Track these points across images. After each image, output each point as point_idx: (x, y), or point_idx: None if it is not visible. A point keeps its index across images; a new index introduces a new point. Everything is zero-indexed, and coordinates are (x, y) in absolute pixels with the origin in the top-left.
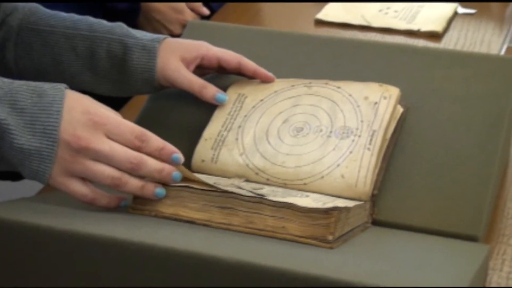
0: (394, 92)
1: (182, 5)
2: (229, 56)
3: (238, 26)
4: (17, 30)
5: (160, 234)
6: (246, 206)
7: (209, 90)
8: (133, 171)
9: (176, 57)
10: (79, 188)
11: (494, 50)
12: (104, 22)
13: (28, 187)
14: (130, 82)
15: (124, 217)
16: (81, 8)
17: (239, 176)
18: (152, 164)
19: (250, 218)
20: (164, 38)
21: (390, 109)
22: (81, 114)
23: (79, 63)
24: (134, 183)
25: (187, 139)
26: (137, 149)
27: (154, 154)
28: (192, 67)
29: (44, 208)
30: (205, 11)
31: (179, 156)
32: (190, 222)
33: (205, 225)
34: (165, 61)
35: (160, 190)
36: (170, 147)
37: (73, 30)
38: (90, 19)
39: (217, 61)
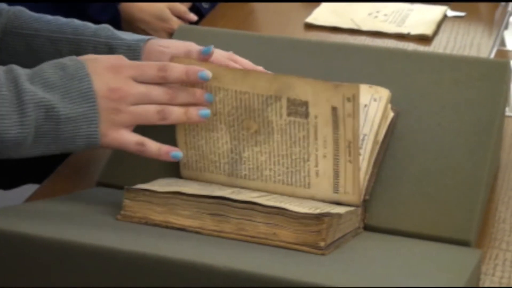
0: (384, 94)
1: (167, 13)
2: (218, 54)
3: (228, 31)
4: (1, 35)
5: (150, 242)
6: (237, 213)
7: (194, 51)
8: (172, 100)
9: (166, 56)
10: (131, 137)
11: (483, 53)
12: (90, 24)
13: (16, 196)
14: None
15: (113, 225)
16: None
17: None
18: (184, 92)
19: (242, 225)
20: (149, 39)
21: (380, 112)
22: (104, 70)
23: None
24: (177, 110)
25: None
26: (164, 79)
27: (182, 78)
28: None
29: (32, 216)
30: (192, 17)
31: (206, 72)
32: (181, 229)
33: (197, 232)
34: (148, 54)
35: (203, 112)
36: (193, 67)
37: (58, 33)
38: (76, 22)
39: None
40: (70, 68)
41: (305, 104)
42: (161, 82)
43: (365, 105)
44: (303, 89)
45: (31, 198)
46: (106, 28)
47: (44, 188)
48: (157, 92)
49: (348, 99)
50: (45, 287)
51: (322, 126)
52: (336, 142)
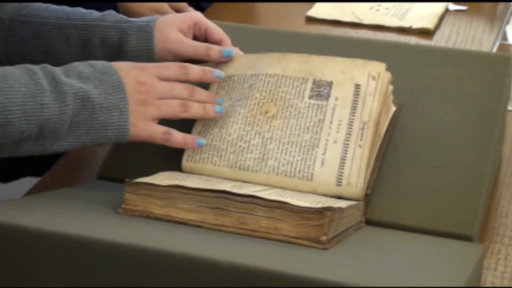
0: (381, 69)
1: (167, 7)
2: (216, 29)
3: (229, 24)
4: (8, 23)
5: (151, 236)
6: (238, 207)
7: (215, 49)
8: (191, 96)
9: (174, 29)
10: (158, 127)
11: (485, 47)
12: (95, 12)
13: (15, 189)
14: None
15: (114, 218)
16: None
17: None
18: (199, 89)
19: (243, 219)
20: (158, 17)
21: (379, 94)
22: (130, 68)
23: (73, 53)
24: (197, 105)
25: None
26: (184, 76)
27: (200, 75)
28: (190, 35)
29: (32, 209)
30: (191, 10)
31: (220, 72)
32: (182, 223)
33: (198, 226)
34: (164, 36)
35: (219, 108)
36: (209, 68)
37: (66, 20)
38: (82, 9)
39: (205, 30)
40: (99, 65)
41: (329, 84)
42: (182, 79)
43: (359, 85)
44: (332, 68)
45: (31, 192)
46: (113, 13)
47: (44, 181)
48: (179, 88)
49: (373, 77)
50: (46, 281)
51: (340, 108)
52: (350, 124)
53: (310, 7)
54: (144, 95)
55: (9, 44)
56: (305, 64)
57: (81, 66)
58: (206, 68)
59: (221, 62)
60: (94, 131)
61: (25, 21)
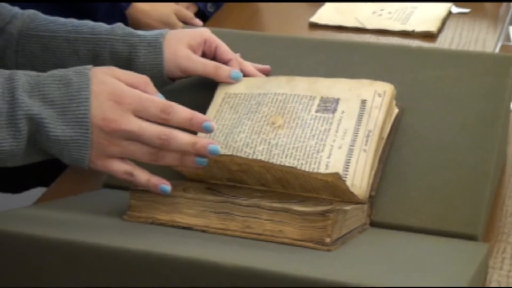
0: (388, 88)
1: (173, 18)
2: (226, 48)
3: (233, 31)
4: (17, 38)
5: (156, 241)
6: (243, 211)
7: (224, 69)
8: (164, 146)
9: (183, 45)
10: (119, 167)
11: (489, 48)
12: (104, 24)
13: (25, 199)
14: None
15: (120, 225)
16: None
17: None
18: (183, 138)
19: (248, 223)
20: (167, 31)
21: (384, 108)
22: (107, 97)
23: None
24: (171, 155)
25: None
26: (165, 122)
27: (184, 125)
28: (199, 52)
29: (39, 218)
30: (198, 22)
31: (211, 124)
32: (187, 228)
33: (202, 231)
34: (174, 51)
35: (200, 159)
36: (199, 116)
37: (75, 34)
38: (90, 22)
39: (215, 48)
40: (74, 86)
41: (336, 101)
42: (162, 123)
43: (366, 100)
44: (339, 87)
45: (39, 201)
46: (121, 26)
47: (52, 190)
48: (150, 134)
49: (379, 95)
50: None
51: (346, 120)
52: (355, 132)
53: (313, 13)
54: (108, 135)
55: (19, 58)
56: (313, 84)
57: (53, 84)
58: (196, 115)
59: (228, 82)
60: (51, 155)
61: (34, 35)
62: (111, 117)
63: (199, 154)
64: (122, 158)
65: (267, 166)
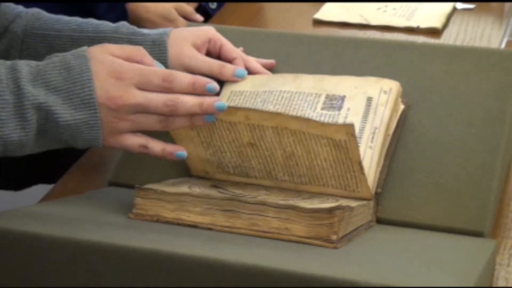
0: (394, 86)
1: (173, 13)
2: (230, 47)
3: (236, 28)
4: (21, 37)
5: (162, 239)
6: (249, 208)
7: (228, 68)
8: (172, 112)
9: (188, 44)
10: (133, 141)
11: (494, 44)
12: (108, 22)
13: (28, 196)
14: None
15: (126, 223)
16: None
17: None
18: (189, 100)
19: (254, 221)
20: (171, 30)
21: (390, 104)
22: (108, 76)
23: None
24: (181, 118)
25: None
26: (168, 90)
27: (187, 90)
28: (204, 51)
29: (45, 216)
30: (198, 17)
31: (214, 85)
32: (193, 226)
33: (208, 228)
34: (178, 50)
35: (209, 116)
36: (201, 79)
37: (79, 32)
38: (95, 21)
39: (219, 47)
40: (75, 70)
41: (342, 98)
42: (165, 92)
43: (371, 98)
44: (345, 85)
45: (44, 199)
46: (126, 25)
47: (57, 189)
48: (157, 104)
49: (385, 92)
50: (59, 286)
51: (352, 116)
52: (361, 129)
53: (317, 10)
54: (116, 112)
55: (24, 57)
56: (319, 82)
57: (54, 70)
58: (198, 78)
59: (232, 81)
60: (63, 142)
61: (38, 34)
62: (115, 94)
63: (207, 113)
64: (134, 132)
65: (281, 126)
